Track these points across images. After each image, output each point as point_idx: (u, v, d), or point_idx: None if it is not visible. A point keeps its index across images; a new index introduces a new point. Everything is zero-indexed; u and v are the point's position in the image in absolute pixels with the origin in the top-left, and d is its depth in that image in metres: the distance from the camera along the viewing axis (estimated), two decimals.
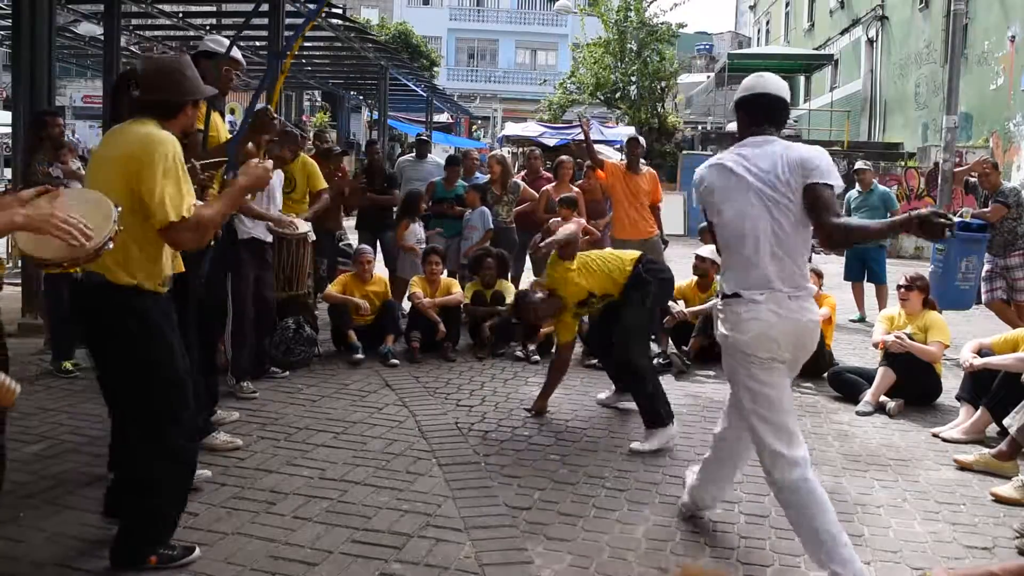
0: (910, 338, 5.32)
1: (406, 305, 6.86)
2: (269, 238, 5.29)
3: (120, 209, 2.56)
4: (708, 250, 6.82)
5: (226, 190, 3.04)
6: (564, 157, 8.20)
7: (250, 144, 4.15)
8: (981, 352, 4.92)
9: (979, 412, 4.70)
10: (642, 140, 7.62)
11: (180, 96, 2.93)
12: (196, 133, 4.00)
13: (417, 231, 7.26)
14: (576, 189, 7.63)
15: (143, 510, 2.88)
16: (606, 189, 7.44)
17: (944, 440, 4.69)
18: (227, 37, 4.86)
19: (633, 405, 4.78)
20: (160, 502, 2.90)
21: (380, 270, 7.09)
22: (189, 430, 2.99)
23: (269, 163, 3.12)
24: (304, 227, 5.51)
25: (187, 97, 2.95)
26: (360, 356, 5.97)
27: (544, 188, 7.69)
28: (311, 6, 9.87)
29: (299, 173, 6.24)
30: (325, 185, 6.38)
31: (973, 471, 4.17)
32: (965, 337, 6.52)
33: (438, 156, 10.37)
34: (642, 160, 7.40)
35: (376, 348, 6.14)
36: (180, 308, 3.78)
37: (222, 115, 4.43)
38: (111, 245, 2.49)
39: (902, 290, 5.58)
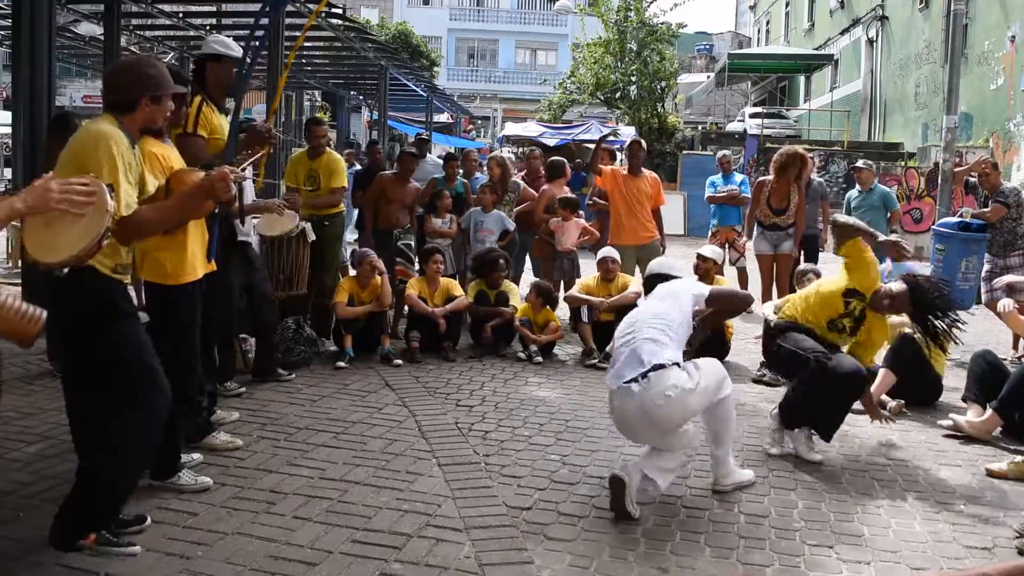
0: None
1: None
2: (253, 237, 5.26)
3: (114, 191, 2.60)
4: (710, 250, 6.82)
5: (174, 196, 3.05)
6: (557, 158, 8.26)
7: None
8: (981, 359, 4.97)
9: (988, 414, 4.69)
10: (643, 143, 7.65)
11: (133, 93, 2.96)
12: (199, 137, 4.00)
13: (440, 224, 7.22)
14: (566, 188, 7.65)
15: (78, 493, 2.91)
16: (605, 194, 7.47)
17: (953, 423, 4.72)
18: (226, 37, 4.84)
19: None
20: (95, 487, 2.91)
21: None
22: (149, 423, 2.98)
23: (223, 172, 3.01)
24: (290, 216, 5.46)
25: (139, 93, 2.96)
26: (343, 364, 5.88)
27: (544, 188, 7.70)
28: (311, 6, 9.88)
29: (324, 171, 6.24)
30: (342, 184, 6.36)
31: (1008, 479, 4.10)
32: (970, 338, 6.52)
33: (437, 157, 10.37)
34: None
35: (367, 350, 6.13)
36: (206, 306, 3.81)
37: (227, 115, 4.42)
38: (109, 233, 2.53)
39: None
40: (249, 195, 5.27)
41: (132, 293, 3.23)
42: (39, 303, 2.45)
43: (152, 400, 2.97)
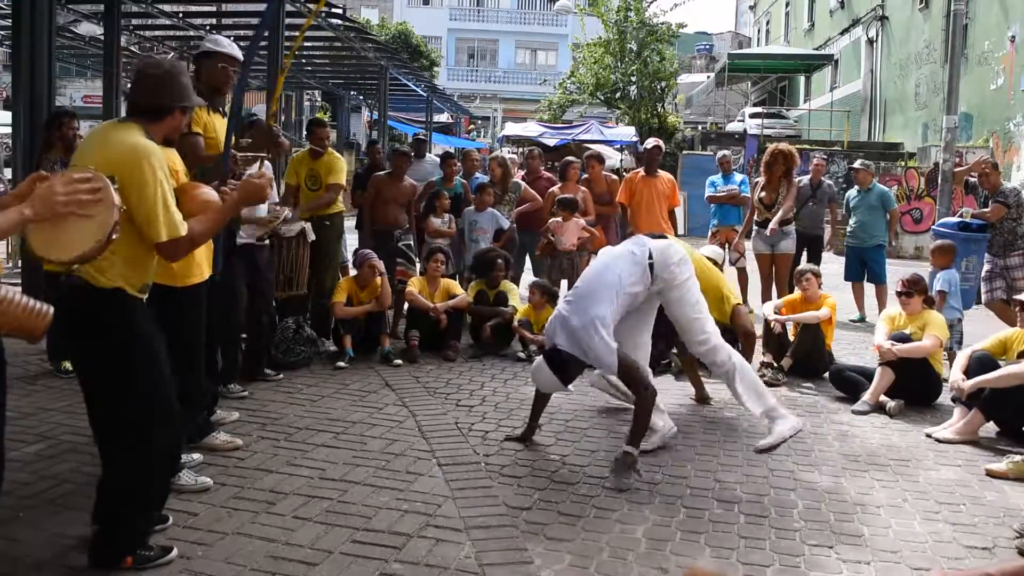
0: (909, 338, 5.34)
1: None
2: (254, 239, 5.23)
3: (117, 185, 2.51)
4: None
5: (221, 205, 3.01)
6: (571, 158, 8.28)
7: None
8: (972, 358, 4.92)
9: (972, 413, 4.70)
10: (663, 146, 7.88)
11: (168, 101, 2.89)
12: (196, 136, 3.99)
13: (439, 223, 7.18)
14: (583, 189, 7.66)
15: (115, 515, 2.87)
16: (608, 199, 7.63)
17: (937, 440, 4.69)
18: (227, 37, 4.83)
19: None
20: (131, 509, 2.87)
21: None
22: (168, 438, 2.96)
23: (266, 175, 3.07)
24: (286, 213, 5.41)
25: (175, 103, 2.91)
26: (343, 364, 5.87)
27: (551, 190, 7.72)
28: (311, 6, 9.89)
29: (325, 171, 6.24)
30: (340, 182, 6.35)
31: (1008, 479, 4.10)
32: (966, 337, 6.52)
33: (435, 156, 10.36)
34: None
35: (367, 350, 6.13)
36: (214, 308, 3.79)
37: (223, 115, 4.40)
38: (118, 229, 2.45)
39: (902, 297, 5.57)
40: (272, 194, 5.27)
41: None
42: (43, 299, 2.44)
43: (155, 436, 2.90)
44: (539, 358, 4.18)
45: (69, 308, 2.77)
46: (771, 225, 7.37)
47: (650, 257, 4.22)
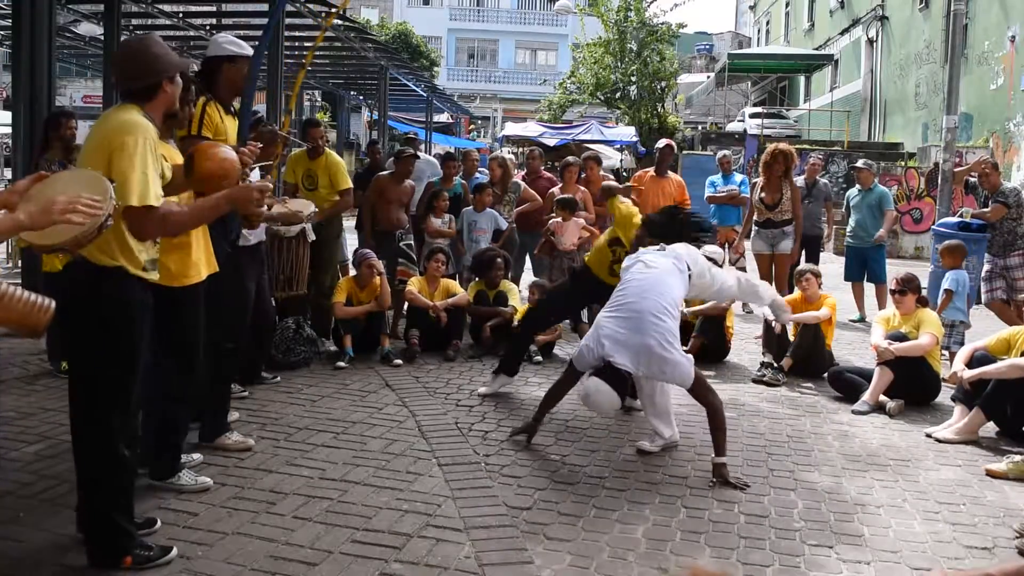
0: (905, 337, 5.35)
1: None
2: (263, 237, 5.22)
3: (115, 184, 2.54)
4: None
5: (205, 198, 3.02)
6: (571, 158, 8.29)
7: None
8: (974, 357, 4.92)
9: (972, 412, 4.70)
10: (674, 146, 7.90)
11: (151, 77, 2.91)
12: (204, 140, 3.98)
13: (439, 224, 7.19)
14: (583, 189, 7.67)
15: (97, 515, 2.89)
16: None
17: (938, 440, 4.69)
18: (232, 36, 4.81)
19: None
20: (106, 505, 2.88)
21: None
22: (131, 432, 2.96)
23: (265, 185, 3.08)
24: (308, 208, 5.42)
25: (157, 76, 2.92)
26: (343, 364, 5.87)
27: (551, 190, 7.72)
28: (311, 6, 9.88)
29: (322, 171, 6.23)
30: (349, 185, 6.35)
31: (1008, 479, 4.11)
32: (966, 337, 6.52)
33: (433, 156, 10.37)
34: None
35: (367, 350, 6.13)
36: (210, 306, 3.79)
37: (234, 116, 4.37)
38: (111, 222, 2.45)
39: (896, 296, 5.58)
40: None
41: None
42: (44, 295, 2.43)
43: (114, 420, 2.89)
44: (593, 379, 4.01)
45: (68, 284, 2.80)
46: (793, 248, 7.46)
47: (688, 268, 4.48)
